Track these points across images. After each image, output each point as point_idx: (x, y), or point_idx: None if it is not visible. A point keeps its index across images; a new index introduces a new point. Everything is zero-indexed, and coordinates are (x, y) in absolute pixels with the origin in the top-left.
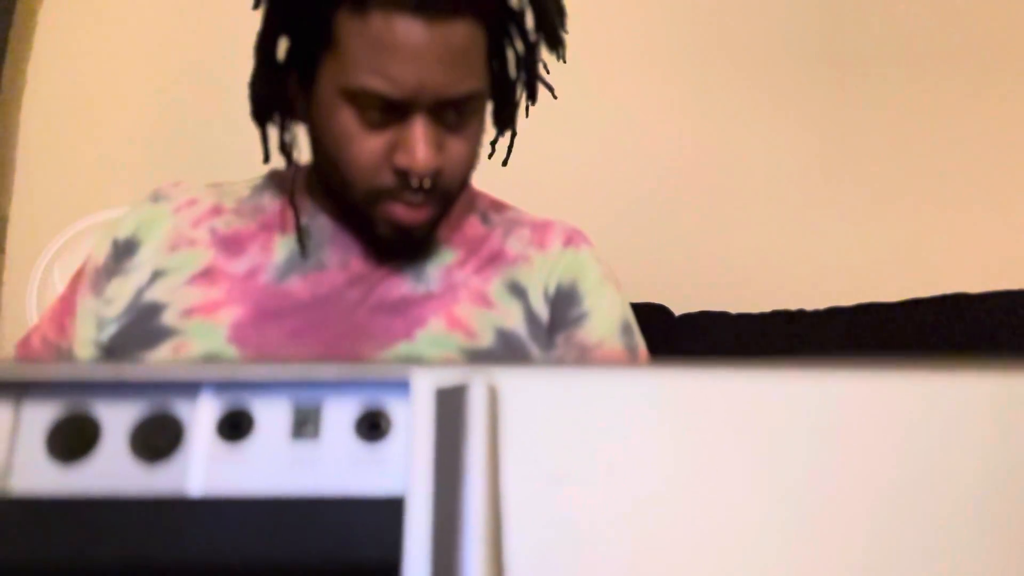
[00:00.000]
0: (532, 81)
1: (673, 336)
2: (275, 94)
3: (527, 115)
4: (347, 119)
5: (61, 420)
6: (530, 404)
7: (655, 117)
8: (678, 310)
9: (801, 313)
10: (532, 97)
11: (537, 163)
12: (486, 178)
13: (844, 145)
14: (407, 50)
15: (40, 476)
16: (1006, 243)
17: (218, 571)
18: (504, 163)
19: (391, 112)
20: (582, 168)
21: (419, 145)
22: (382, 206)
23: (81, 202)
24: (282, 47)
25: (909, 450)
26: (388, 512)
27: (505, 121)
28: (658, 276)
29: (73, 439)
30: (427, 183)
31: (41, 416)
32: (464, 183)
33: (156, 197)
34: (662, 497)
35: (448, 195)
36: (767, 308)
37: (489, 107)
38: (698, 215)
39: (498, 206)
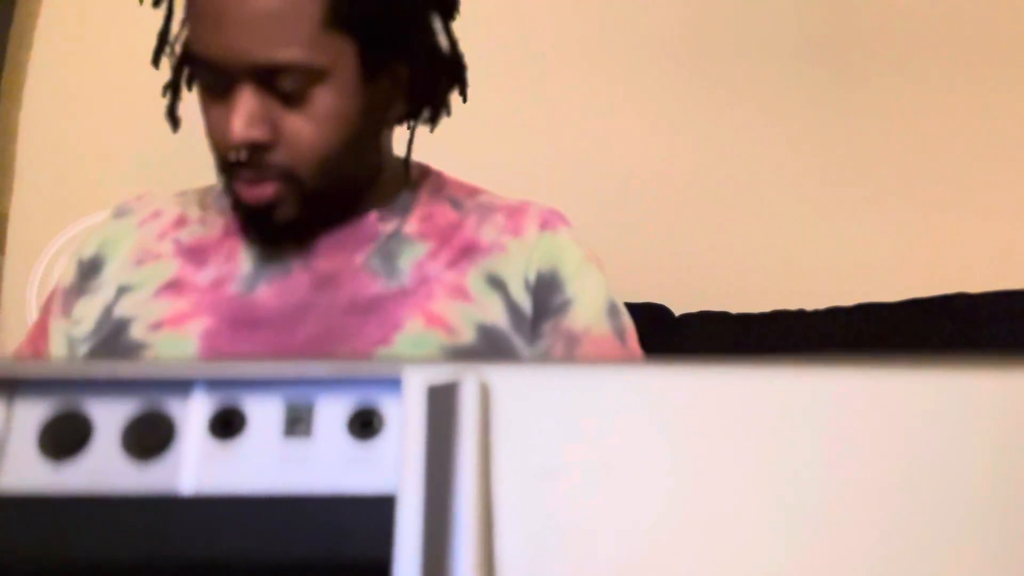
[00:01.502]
0: (431, 60)
1: (673, 336)
2: (176, 68)
3: (465, 99)
4: (200, 89)
5: (53, 418)
6: (522, 401)
7: (655, 117)
8: (678, 310)
9: (801, 313)
10: (454, 81)
11: (537, 163)
12: (485, 177)
13: (845, 145)
14: (214, 13)
15: (32, 474)
16: (1006, 243)
17: (210, 569)
18: (406, 160)
19: (222, 80)
20: (582, 168)
21: (232, 115)
22: (232, 183)
23: (81, 202)
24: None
25: (907, 449)
26: (380, 510)
27: (416, 106)
28: (658, 276)
29: (65, 437)
30: (243, 155)
31: (33, 414)
32: (323, 165)
33: (120, 212)
34: (654, 494)
35: (292, 174)
36: (767, 308)
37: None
38: (699, 215)
39: (470, 191)
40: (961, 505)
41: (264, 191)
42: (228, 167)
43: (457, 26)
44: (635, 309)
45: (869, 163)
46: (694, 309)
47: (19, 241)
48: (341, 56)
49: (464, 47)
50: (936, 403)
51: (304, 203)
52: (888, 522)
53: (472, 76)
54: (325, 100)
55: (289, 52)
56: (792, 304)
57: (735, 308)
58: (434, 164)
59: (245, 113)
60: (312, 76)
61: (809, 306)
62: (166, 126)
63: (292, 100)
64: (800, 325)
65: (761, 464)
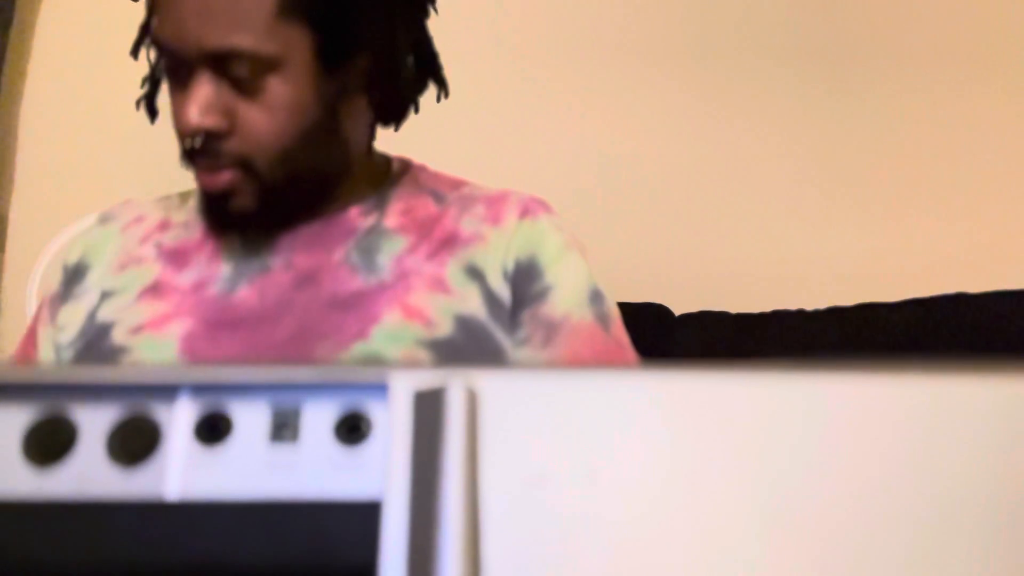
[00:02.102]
0: (394, 57)
1: (673, 336)
2: (156, 59)
3: (445, 95)
4: (166, 76)
5: (37, 423)
6: (509, 407)
7: (655, 117)
8: (678, 310)
9: (801, 313)
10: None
11: (537, 163)
12: (483, 177)
13: (844, 145)
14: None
15: (15, 479)
16: (1006, 243)
17: (196, 575)
18: (367, 151)
19: (181, 67)
20: (582, 168)
21: (187, 102)
22: (194, 171)
23: (81, 202)
24: None
25: (906, 455)
26: (367, 516)
27: (378, 102)
28: (658, 276)
29: (49, 442)
30: (197, 143)
31: (17, 419)
32: (279, 156)
33: (104, 219)
34: (644, 501)
35: (248, 163)
36: (767, 308)
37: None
38: (698, 215)
39: (454, 184)
40: (961, 511)
41: (220, 178)
42: (186, 154)
43: (457, 24)
44: (635, 309)
45: (869, 163)
46: (694, 309)
47: (19, 241)
48: (295, 46)
49: (464, 46)
50: (935, 409)
51: (262, 194)
52: (888, 529)
53: (471, 76)
54: (278, 90)
55: (240, 39)
56: (792, 304)
57: (735, 308)
58: (432, 162)
59: (199, 100)
60: (264, 64)
61: (809, 306)
62: (166, 127)
63: (247, 88)
64: (800, 325)
65: (753, 471)
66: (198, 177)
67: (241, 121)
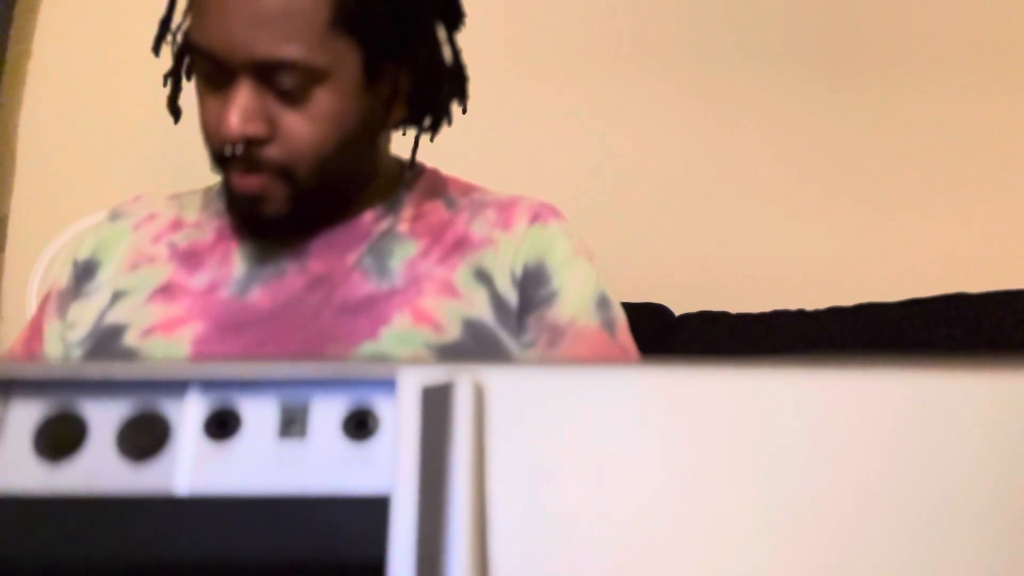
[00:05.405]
0: (434, 70)
1: (673, 336)
2: (177, 57)
3: (464, 111)
4: (198, 79)
5: (48, 419)
6: (516, 402)
7: (654, 118)
8: (678, 310)
9: (801, 313)
10: (450, 89)
11: (537, 163)
12: (485, 178)
13: (845, 145)
14: (218, 5)
15: (26, 475)
16: (1006, 243)
17: (204, 570)
18: (410, 165)
19: (221, 73)
20: (583, 168)
21: (230, 108)
22: (226, 174)
23: (81, 202)
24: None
25: (905, 451)
26: (375, 511)
27: (417, 114)
28: (658, 276)
29: (60, 438)
30: (238, 150)
31: (28, 414)
32: (318, 165)
33: (115, 215)
34: (649, 496)
35: (287, 170)
36: (767, 308)
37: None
38: (699, 215)
39: (466, 189)
40: (960, 507)
41: (256, 183)
42: (222, 160)
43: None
44: (635, 309)
45: (869, 164)
46: (694, 309)
47: (19, 241)
48: (344, 58)
49: (465, 48)
50: (934, 405)
51: (295, 200)
52: (886, 525)
53: (474, 77)
54: (324, 100)
55: (292, 50)
56: (792, 304)
57: (735, 308)
58: (434, 165)
59: (242, 107)
60: (313, 75)
61: (809, 306)
62: (166, 126)
63: (291, 98)
64: (800, 325)
65: (757, 466)
66: (231, 180)
67: (283, 129)
